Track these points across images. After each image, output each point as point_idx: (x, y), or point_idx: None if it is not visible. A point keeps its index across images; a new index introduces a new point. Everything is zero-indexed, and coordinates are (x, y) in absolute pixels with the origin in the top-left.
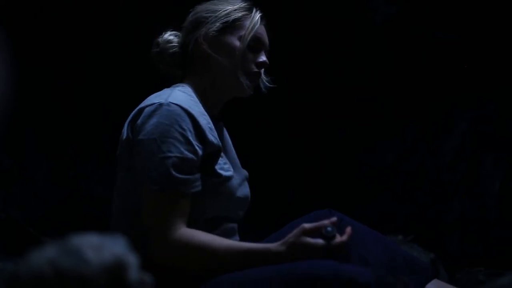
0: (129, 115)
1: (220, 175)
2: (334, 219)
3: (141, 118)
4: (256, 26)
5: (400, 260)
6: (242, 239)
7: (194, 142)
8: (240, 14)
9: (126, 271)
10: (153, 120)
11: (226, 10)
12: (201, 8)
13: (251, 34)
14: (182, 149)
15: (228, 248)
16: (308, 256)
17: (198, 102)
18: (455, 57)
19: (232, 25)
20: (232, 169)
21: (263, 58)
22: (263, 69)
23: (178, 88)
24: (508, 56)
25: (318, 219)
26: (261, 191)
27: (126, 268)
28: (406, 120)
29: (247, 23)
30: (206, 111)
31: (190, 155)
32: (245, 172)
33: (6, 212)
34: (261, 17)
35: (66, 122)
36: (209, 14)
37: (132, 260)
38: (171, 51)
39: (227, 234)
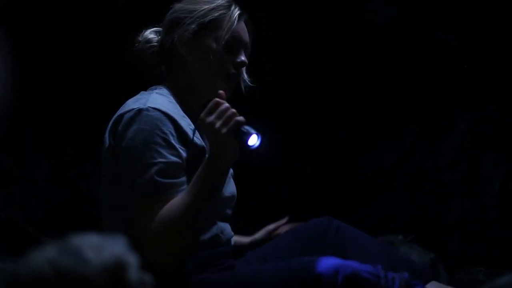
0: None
1: None
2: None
3: (121, 125)
4: (234, 26)
5: (399, 263)
6: None
7: (177, 145)
8: (217, 14)
9: (126, 271)
10: (134, 127)
11: (202, 10)
12: (178, 6)
13: (228, 35)
14: (165, 153)
15: (187, 197)
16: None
17: (177, 104)
18: (455, 58)
19: (208, 26)
20: None
21: (241, 58)
22: (243, 69)
23: (156, 91)
24: (508, 56)
25: (316, 226)
26: (261, 192)
27: (126, 268)
28: (406, 121)
29: (224, 23)
30: (186, 112)
31: (175, 159)
32: (230, 170)
33: (6, 212)
34: (240, 15)
35: (66, 122)
36: (184, 15)
37: (132, 260)
38: (150, 51)
39: (223, 234)
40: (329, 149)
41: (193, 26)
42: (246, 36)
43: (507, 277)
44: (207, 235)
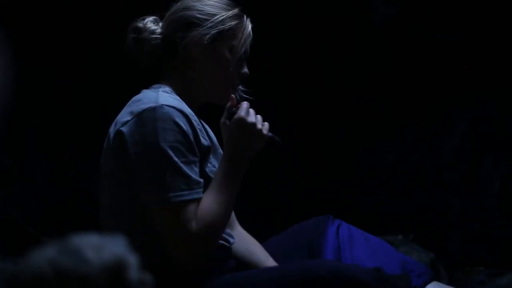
0: None
1: (209, 177)
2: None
3: (134, 124)
4: (249, 39)
5: (400, 263)
6: None
7: (194, 143)
8: (234, 23)
9: (127, 271)
10: (153, 126)
11: (222, 16)
12: (193, 5)
13: (243, 47)
14: (188, 153)
15: (220, 194)
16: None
17: (184, 103)
18: (455, 57)
19: (226, 34)
20: None
21: (245, 70)
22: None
23: (161, 90)
24: (508, 56)
25: (317, 225)
26: (261, 190)
27: (126, 268)
28: (406, 120)
29: (239, 33)
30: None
31: (196, 158)
32: None
33: (6, 212)
34: (252, 28)
35: (66, 122)
36: (204, 17)
37: (132, 260)
38: (154, 42)
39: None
40: (329, 148)
41: (212, 31)
42: (249, 45)
43: (507, 277)
44: None
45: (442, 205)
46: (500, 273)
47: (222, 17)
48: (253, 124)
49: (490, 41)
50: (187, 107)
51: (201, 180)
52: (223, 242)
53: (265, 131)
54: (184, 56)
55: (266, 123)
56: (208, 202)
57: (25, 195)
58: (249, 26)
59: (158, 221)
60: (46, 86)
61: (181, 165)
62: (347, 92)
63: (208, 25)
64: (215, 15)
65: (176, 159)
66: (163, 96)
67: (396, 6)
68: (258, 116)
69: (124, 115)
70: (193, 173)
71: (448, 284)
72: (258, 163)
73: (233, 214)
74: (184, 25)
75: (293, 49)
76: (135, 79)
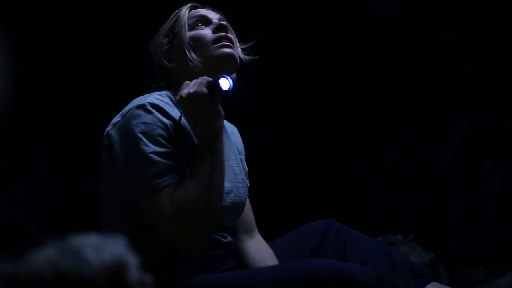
0: None
1: None
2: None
3: (121, 124)
4: (186, 13)
5: (400, 264)
6: None
7: (172, 136)
8: (173, 21)
9: (126, 271)
10: (132, 122)
11: (164, 27)
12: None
13: (188, 20)
14: (166, 142)
15: (194, 173)
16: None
17: (174, 107)
18: (456, 57)
19: (174, 32)
20: None
21: (215, 22)
22: (228, 34)
23: (157, 92)
24: (509, 56)
25: (317, 228)
26: (262, 190)
27: (126, 268)
28: (406, 120)
29: (180, 18)
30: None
31: (175, 149)
32: (240, 180)
33: (6, 211)
34: (193, 7)
35: (66, 122)
36: (156, 36)
37: (132, 260)
38: (154, 68)
39: (222, 237)
40: (330, 147)
41: (164, 40)
42: (208, 12)
43: (507, 277)
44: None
45: (442, 205)
46: (500, 273)
47: (166, 26)
48: (186, 94)
49: (490, 41)
50: (171, 107)
51: (177, 166)
52: (219, 238)
53: (194, 87)
54: (165, 70)
55: (200, 78)
56: (184, 183)
57: (25, 195)
58: (185, 8)
59: (142, 210)
60: (46, 86)
61: (153, 155)
62: (348, 92)
63: (160, 36)
64: (161, 29)
65: (149, 149)
66: (151, 96)
67: (397, 5)
68: (192, 81)
69: (116, 117)
70: (167, 161)
71: (448, 284)
72: (258, 163)
73: (252, 222)
74: (154, 48)
75: (294, 49)
76: (135, 80)
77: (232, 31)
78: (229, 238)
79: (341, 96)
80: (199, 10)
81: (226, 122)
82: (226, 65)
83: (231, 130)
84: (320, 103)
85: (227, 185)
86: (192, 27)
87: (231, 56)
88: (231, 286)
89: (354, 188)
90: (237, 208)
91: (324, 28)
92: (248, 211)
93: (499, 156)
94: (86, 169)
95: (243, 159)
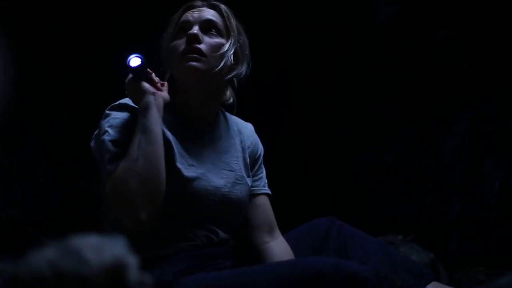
0: None
1: (179, 170)
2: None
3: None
4: (175, 20)
5: (400, 263)
6: None
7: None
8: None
9: (126, 272)
10: (103, 118)
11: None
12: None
13: (171, 33)
14: (118, 135)
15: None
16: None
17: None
18: (456, 57)
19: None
20: (200, 171)
21: (187, 35)
22: (196, 45)
23: None
24: (509, 56)
25: (319, 226)
26: None
27: (126, 269)
28: (406, 120)
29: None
30: (191, 118)
31: (125, 140)
32: (237, 177)
33: (6, 211)
34: (188, 7)
35: (66, 122)
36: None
37: (132, 260)
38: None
39: (214, 235)
40: (330, 147)
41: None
42: (193, 16)
43: (507, 277)
44: (199, 234)
45: (442, 205)
46: (500, 273)
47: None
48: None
49: (490, 41)
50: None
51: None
52: (209, 234)
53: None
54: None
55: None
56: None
57: (25, 195)
58: (180, 11)
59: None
60: (46, 86)
61: (109, 144)
62: (347, 92)
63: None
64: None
65: (107, 140)
66: (125, 99)
67: (397, 5)
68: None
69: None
70: (118, 150)
71: (448, 284)
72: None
73: (273, 222)
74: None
75: (293, 49)
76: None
77: (215, 32)
78: (222, 234)
79: (341, 96)
80: (188, 14)
81: (239, 120)
82: (189, 77)
83: (238, 128)
84: (320, 103)
85: (218, 180)
86: (175, 37)
87: (193, 68)
88: (230, 284)
89: (354, 188)
90: (232, 204)
91: (324, 28)
92: (268, 211)
93: (499, 156)
94: (86, 169)
95: (260, 157)
